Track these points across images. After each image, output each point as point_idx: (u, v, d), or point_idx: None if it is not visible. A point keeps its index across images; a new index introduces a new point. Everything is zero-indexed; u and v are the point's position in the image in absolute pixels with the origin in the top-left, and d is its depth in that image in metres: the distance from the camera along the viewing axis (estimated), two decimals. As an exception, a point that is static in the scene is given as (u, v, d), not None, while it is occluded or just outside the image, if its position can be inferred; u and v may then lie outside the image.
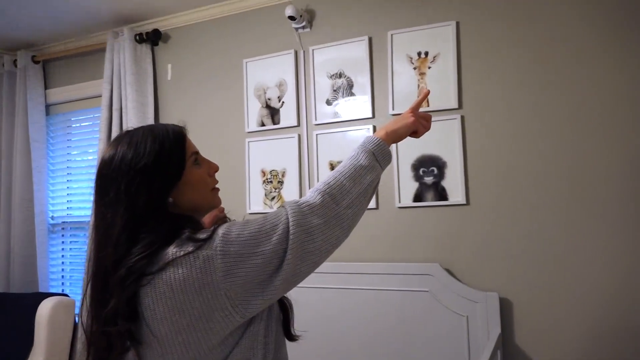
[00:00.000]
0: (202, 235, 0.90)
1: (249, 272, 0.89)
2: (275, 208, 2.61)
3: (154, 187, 0.94)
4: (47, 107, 3.42)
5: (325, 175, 2.48)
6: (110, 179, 0.95)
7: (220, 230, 0.91)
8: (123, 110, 2.94)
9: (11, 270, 3.23)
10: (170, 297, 0.87)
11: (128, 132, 1.02)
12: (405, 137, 1.18)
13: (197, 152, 1.05)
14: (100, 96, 3.05)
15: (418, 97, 1.32)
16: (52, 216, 3.41)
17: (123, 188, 0.93)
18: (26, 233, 3.25)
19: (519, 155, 2.17)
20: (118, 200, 0.93)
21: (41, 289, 3.21)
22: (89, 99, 3.29)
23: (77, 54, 3.25)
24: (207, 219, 1.22)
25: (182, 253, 0.88)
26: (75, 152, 3.41)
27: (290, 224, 0.93)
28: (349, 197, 1.00)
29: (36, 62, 3.34)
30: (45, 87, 3.40)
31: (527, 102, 2.17)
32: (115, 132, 2.95)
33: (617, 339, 1.98)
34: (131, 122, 2.87)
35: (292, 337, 1.09)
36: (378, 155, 1.08)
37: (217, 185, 1.09)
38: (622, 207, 2.00)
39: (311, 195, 1.00)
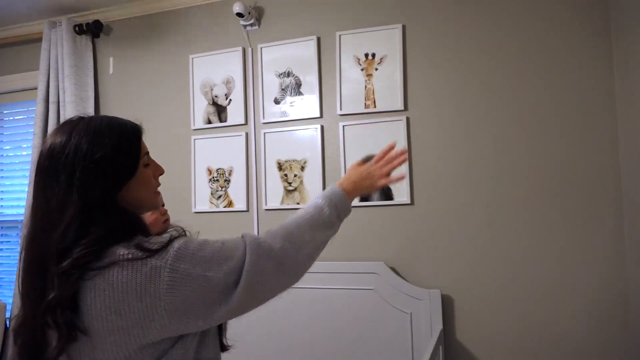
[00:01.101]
0: (154, 246, 0.88)
1: (191, 293, 0.87)
2: (221, 207, 2.57)
3: (109, 180, 0.92)
4: (-23, 98, 3.21)
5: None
6: (63, 165, 0.90)
7: (176, 244, 0.89)
8: (61, 104, 2.81)
9: None
10: (110, 296, 0.84)
11: (83, 118, 0.97)
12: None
13: (148, 152, 1.03)
14: (36, 88, 2.90)
15: (388, 152, 1.26)
16: (-19, 215, 3.21)
17: (78, 176, 0.89)
18: (-48, 233, 3.05)
19: (461, 156, 2.24)
20: (70, 188, 0.89)
21: (-32, 292, 3.02)
22: (23, 92, 3.12)
23: (10, 43, 3.08)
24: (148, 219, 1.19)
25: (130, 256, 0.85)
26: (7, 147, 3.22)
27: (247, 260, 0.93)
28: (307, 249, 1.03)
29: (-36, 51, 3.13)
30: (-25, 78, 3.20)
31: (471, 104, 2.24)
32: (52, 127, 2.81)
33: (551, 333, 2.09)
34: (69, 116, 2.72)
35: (224, 348, 1.08)
36: (341, 211, 1.12)
37: (159, 188, 1.08)
38: (559, 206, 2.11)
39: (272, 237, 1.01)
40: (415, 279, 2.26)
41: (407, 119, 2.31)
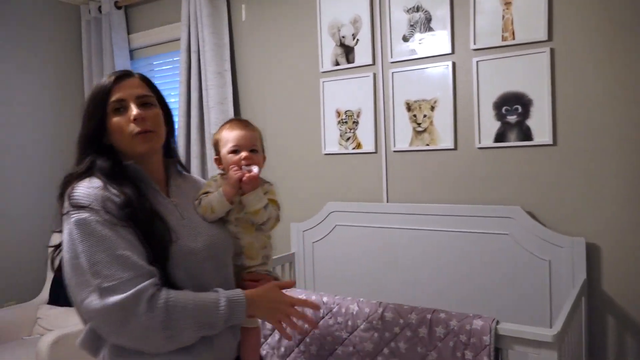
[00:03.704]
0: (79, 202, 1.09)
1: (66, 256, 1.08)
2: (349, 149, 2.60)
3: (84, 128, 1.20)
4: (131, 51, 3.54)
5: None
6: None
7: (84, 215, 1.07)
8: (201, 52, 2.99)
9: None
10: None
11: None
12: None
13: (120, 100, 1.17)
14: (179, 39, 3.11)
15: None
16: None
17: (81, 125, 1.21)
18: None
19: (614, 92, 1.98)
20: (81, 131, 1.22)
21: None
22: (169, 43, 3.36)
23: (155, -3, 3.31)
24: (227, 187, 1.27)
25: (66, 195, 1.12)
26: (158, 96, 3.53)
27: (117, 298, 1.00)
28: (175, 331, 1.03)
29: (119, 8, 3.43)
30: (129, 32, 3.51)
31: (628, 33, 1.94)
32: (194, 75, 3.02)
33: None
34: (209, 64, 2.91)
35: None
36: (232, 315, 1.10)
37: (147, 130, 1.18)
38: None
39: (158, 300, 1.03)
40: (555, 225, 2.11)
41: (552, 50, 2.08)
